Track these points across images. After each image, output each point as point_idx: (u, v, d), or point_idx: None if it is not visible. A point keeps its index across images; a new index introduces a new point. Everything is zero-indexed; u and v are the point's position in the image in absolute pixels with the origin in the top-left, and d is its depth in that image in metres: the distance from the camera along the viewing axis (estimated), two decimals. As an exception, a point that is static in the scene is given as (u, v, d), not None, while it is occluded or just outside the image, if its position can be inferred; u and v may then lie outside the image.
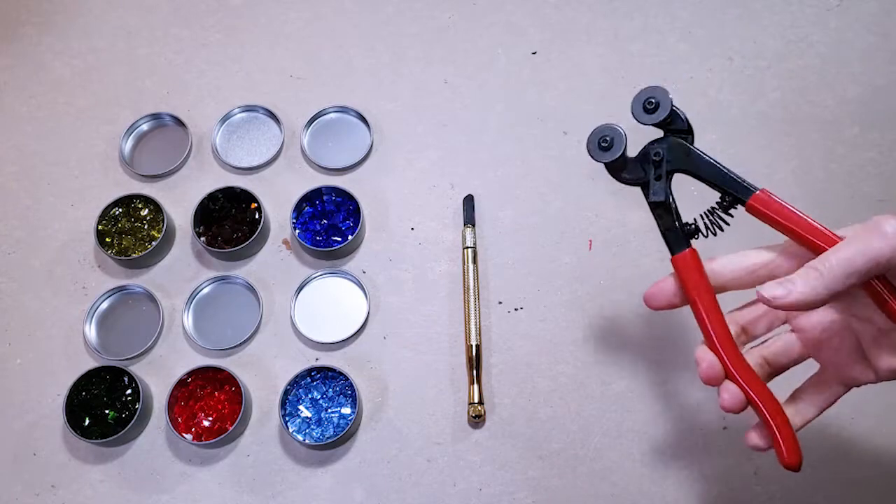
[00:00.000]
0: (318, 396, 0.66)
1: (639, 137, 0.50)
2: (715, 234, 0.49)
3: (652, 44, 0.81)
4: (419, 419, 0.66)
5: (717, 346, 0.46)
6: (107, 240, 0.73)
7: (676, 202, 0.50)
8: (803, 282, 0.41)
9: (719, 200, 0.49)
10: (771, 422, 0.45)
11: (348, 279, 0.72)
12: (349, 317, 0.70)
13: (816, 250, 0.44)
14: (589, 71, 0.80)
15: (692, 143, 0.49)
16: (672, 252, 0.49)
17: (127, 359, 0.69)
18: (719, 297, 0.47)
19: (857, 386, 0.47)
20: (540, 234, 0.73)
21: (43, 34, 0.85)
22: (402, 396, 0.67)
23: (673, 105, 0.48)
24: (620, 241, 0.72)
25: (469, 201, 0.74)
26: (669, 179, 0.49)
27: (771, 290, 0.42)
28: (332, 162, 0.76)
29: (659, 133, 0.50)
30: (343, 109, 0.79)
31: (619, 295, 0.70)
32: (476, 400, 0.65)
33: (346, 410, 0.66)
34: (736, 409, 0.45)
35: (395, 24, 0.83)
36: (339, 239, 0.72)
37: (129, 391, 0.67)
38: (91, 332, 0.70)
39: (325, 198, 0.74)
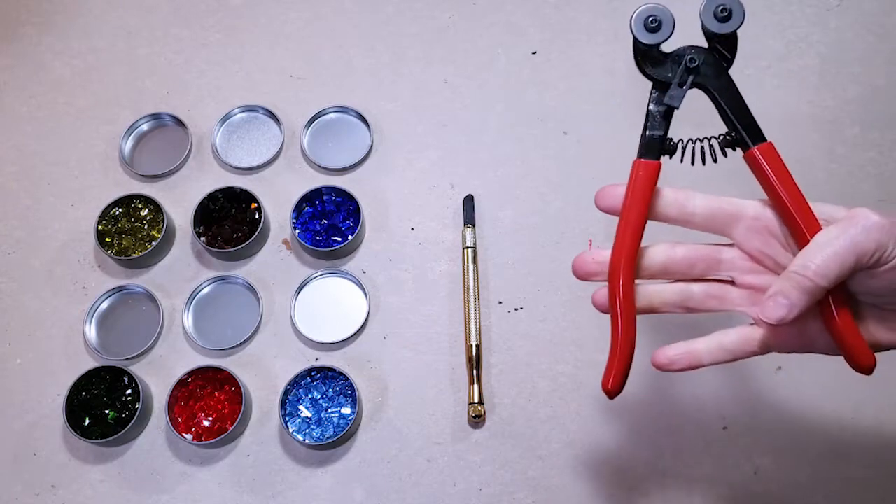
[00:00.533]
0: (318, 396, 0.66)
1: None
2: (692, 164, 0.47)
3: (652, 44, 0.81)
4: (419, 419, 0.66)
5: (619, 262, 0.45)
6: (107, 240, 0.73)
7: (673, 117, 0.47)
8: (798, 293, 0.40)
9: (723, 134, 0.46)
10: (616, 348, 0.46)
11: (348, 279, 0.72)
12: (349, 317, 0.70)
13: (790, 223, 0.43)
14: (589, 71, 0.80)
15: (730, 65, 0.47)
16: (639, 155, 0.46)
17: (127, 359, 0.69)
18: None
19: (781, 351, 0.45)
20: (540, 234, 0.73)
21: (43, 34, 0.85)
22: (402, 396, 0.67)
23: (740, 25, 0.45)
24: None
25: (469, 201, 0.74)
26: (689, 88, 0.47)
27: (772, 312, 0.40)
28: (332, 162, 0.76)
29: (703, 43, 0.47)
30: (343, 109, 0.79)
31: (619, 295, 0.69)
32: (476, 400, 0.65)
33: (346, 410, 0.66)
34: (600, 306, 0.46)
35: (395, 24, 0.83)
36: (339, 239, 0.72)
37: (129, 391, 0.67)
38: (91, 332, 0.70)
39: (325, 198, 0.74)
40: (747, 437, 0.64)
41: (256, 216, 0.72)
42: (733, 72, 0.48)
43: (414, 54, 0.82)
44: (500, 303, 0.70)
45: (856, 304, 0.43)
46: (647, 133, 0.47)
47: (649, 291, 0.46)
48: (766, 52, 0.79)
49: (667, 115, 0.47)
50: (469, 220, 0.72)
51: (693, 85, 0.47)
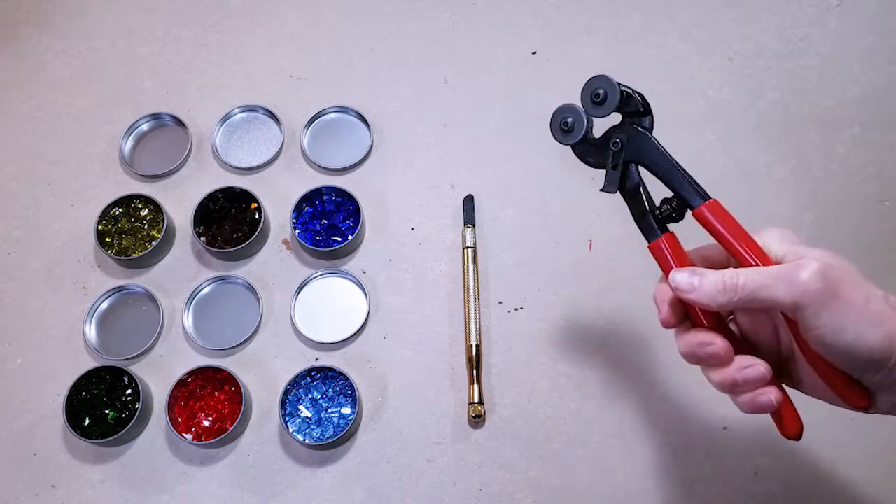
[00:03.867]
0: (318, 396, 0.66)
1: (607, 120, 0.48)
2: (675, 222, 0.47)
3: (652, 44, 0.81)
4: (419, 419, 0.66)
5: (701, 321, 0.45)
6: (107, 240, 0.73)
7: (647, 187, 0.47)
8: (710, 287, 0.42)
9: (668, 199, 0.46)
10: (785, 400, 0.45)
11: (348, 279, 0.72)
12: (349, 317, 0.70)
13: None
14: (589, 71, 0.78)
15: (651, 126, 0.47)
16: (647, 240, 0.47)
17: (127, 359, 0.69)
18: None
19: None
20: (540, 234, 0.73)
21: (43, 34, 0.85)
22: (402, 396, 0.67)
23: (623, 87, 0.46)
24: (620, 241, 0.72)
25: (469, 201, 0.74)
26: (627, 169, 0.47)
27: (682, 279, 0.43)
28: (332, 162, 0.76)
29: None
30: (343, 109, 0.79)
31: (619, 295, 0.70)
32: (476, 400, 0.65)
33: (346, 410, 0.66)
34: (768, 406, 0.44)
35: (395, 24, 0.83)
36: (339, 239, 0.72)
37: (129, 391, 0.67)
38: (91, 332, 0.70)
39: (325, 198, 0.74)
40: (747, 437, 0.64)
41: (256, 216, 0.72)
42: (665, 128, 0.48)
43: (414, 54, 0.82)
44: (500, 303, 0.70)
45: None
46: (636, 218, 0.47)
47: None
48: (766, 52, 0.79)
49: (632, 194, 0.47)
50: (469, 220, 0.72)
51: (626, 164, 0.47)
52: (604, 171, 0.49)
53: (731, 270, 0.42)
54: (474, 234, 0.72)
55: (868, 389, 0.41)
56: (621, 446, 0.64)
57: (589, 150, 0.49)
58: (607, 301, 0.69)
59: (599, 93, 0.46)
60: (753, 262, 0.42)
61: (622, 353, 0.68)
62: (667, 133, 0.76)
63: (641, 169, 0.48)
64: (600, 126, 0.49)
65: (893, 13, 0.80)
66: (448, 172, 0.76)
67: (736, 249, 0.43)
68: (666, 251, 0.46)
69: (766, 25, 0.81)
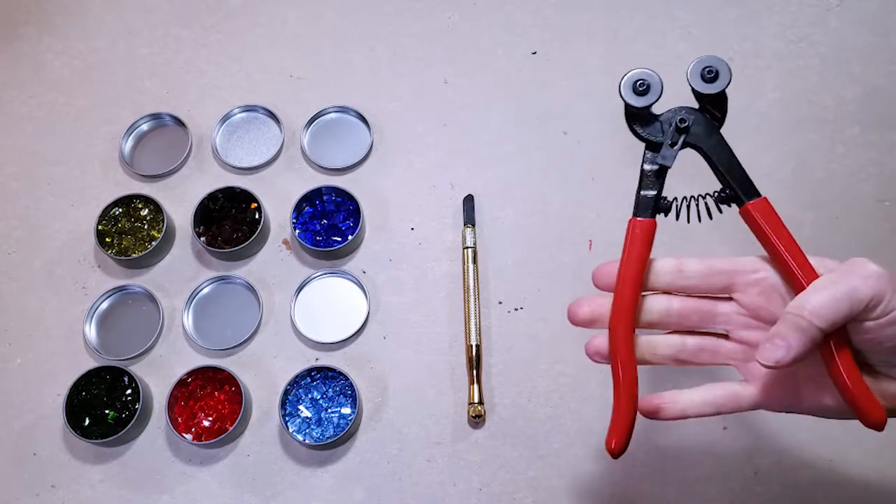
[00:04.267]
0: (318, 396, 0.66)
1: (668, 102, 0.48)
2: (688, 221, 0.47)
3: (652, 44, 0.81)
4: (419, 419, 0.66)
5: (619, 318, 0.45)
6: (107, 240, 0.73)
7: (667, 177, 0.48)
8: (796, 335, 0.39)
9: (718, 191, 0.47)
10: (620, 405, 0.45)
11: (348, 279, 0.72)
12: (349, 317, 0.70)
13: (788, 275, 0.42)
14: (589, 71, 0.80)
15: (721, 124, 0.48)
16: (634, 214, 0.47)
17: (127, 359, 0.69)
18: None
19: (770, 409, 0.45)
20: (540, 234, 0.73)
21: (43, 34, 0.85)
22: (402, 396, 0.67)
23: (727, 85, 0.46)
24: (620, 241, 0.71)
25: (469, 201, 0.74)
26: (681, 148, 0.47)
27: (770, 354, 0.39)
28: (332, 162, 0.76)
29: (694, 103, 0.48)
30: (343, 109, 0.79)
31: (619, 295, 0.69)
32: (476, 400, 0.65)
33: (346, 410, 0.66)
34: (594, 356, 0.46)
35: (395, 24, 0.83)
36: (339, 239, 0.72)
37: (129, 391, 0.67)
38: (91, 332, 0.70)
39: (325, 198, 0.74)
40: (747, 437, 0.64)
41: (256, 216, 0.72)
42: (728, 128, 0.48)
43: (414, 54, 0.82)
44: (500, 303, 0.70)
45: (870, 367, 0.42)
46: (642, 193, 0.47)
47: (643, 343, 0.46)
48: (766, 52, 0.79)
49: (660, 174, 0.47)
50: (469, 220, 0.72)
51: (685, 145, 0.47)
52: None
53: (791, 305, 0.40)
54: (474, 234, 0.72)
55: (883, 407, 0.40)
56: (621, 446, 0.64)
57: (647, 122, 0.48)
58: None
59: (713, 69, 0.46)
60: (800, 268, 0.42)
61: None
62: (667, 133, 0.77)
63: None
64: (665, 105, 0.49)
65: (893, 13, 0.80)
66: (448, 172, 0.76)
67: (781, 253, 0.43)
68: (641, 233, 0.46)
69: (766, 25, 0.81)
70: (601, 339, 0.46)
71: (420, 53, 0.82)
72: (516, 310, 0.70)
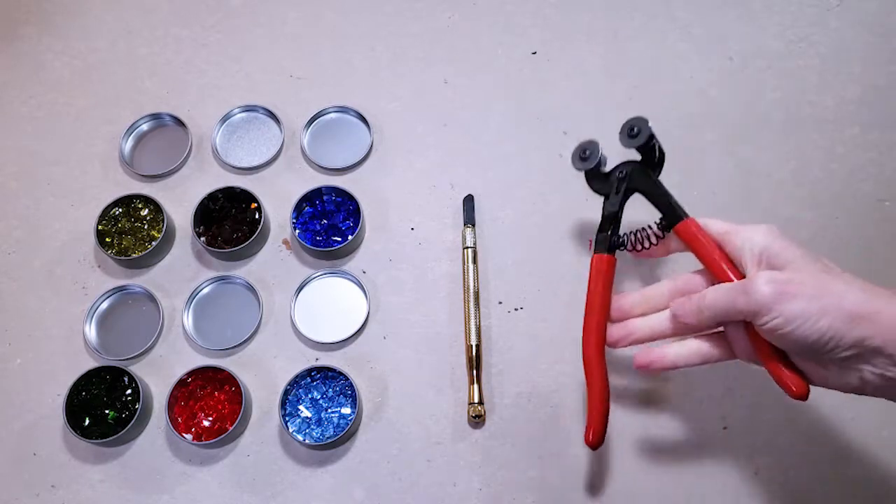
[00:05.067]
0: (318, 396, 0.66)
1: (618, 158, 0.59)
2: (639, 250, 0.58)
3: (652, 44, 0.81)
4: (419, 419, 0.66)
5: (590, 335, 0.57)
6: (107, 240, 0.73)
7: (621, 221, 0.59)
8: (694, 314, 0.52)
9: (657, 221, 0.57)
10: (595, 405, 0.56)
11: (348, 279, 0.72)
12: (349, 317, 0.70)
13: (717, 277, 0.52)
14: (589, 71, 0.80)
15: (658, 174, 0.58)
16: (595, 250, 0.59)
17: (127, 359, 0.69)
18: None
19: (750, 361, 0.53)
20: (540, 234, 0.73)
21: (43, 34, 0.85)
22: (402, 396, 0.67)
23: (653, 137, 0.57)
24: (620, 241, 0.72)
25: (469, 201, 0.74)
26: (627, 196, 0.59)
27: (678, 312, 0.53)
28: (332, 162, 0.76)
29: (636, 156, 0.59)
30: (343, 109, 0.79)
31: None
32: (476, 400, 0.65)
33: (346, 410, 0.66)
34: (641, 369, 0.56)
35: (395, 24, 0.83)
36: (339, 239, 0.72)
37: (129, 391, 0.67)
38: (91, 332, 0.70)
39: (325, 198, 0.74)
40: (747, 437, 0.64)
41: (256, 216, 0.72)
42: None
43: (414, 54, 0.82)
44: (500, 303, 0.70)
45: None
46: (599, 234, 0.59)
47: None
48: (766, 52, 0.79)
49: (612, 218, 0.59)
50: (469, 220, 0.72)
51: (628, 191, 0.59)
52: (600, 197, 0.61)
53: (700, 293, 0.52)
54: (474, 234, 0.72)
55: (805, 380, 0.49)
56: (621, 446, 0.64)
57: (598, 178, 0.61)
58: (607, 301, 0.69)
59: (635, 126, 0.57)
60: (718, 270, 0.52)
61: (622, 352, 0.67)
62: (667, 133, 0.77)
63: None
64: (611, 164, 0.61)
65: (893, 13, 0.80)
66: (448, 172, 0.76)
67: (704, 258, 0.53)
68: (601, 267, 0.58)
69: (766, 25, 0.81)
70: (642, 356, 0.55)
71: (420, 53, 0.82)
72: (516, 310, 0.70)
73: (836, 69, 0.78)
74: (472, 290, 0.69)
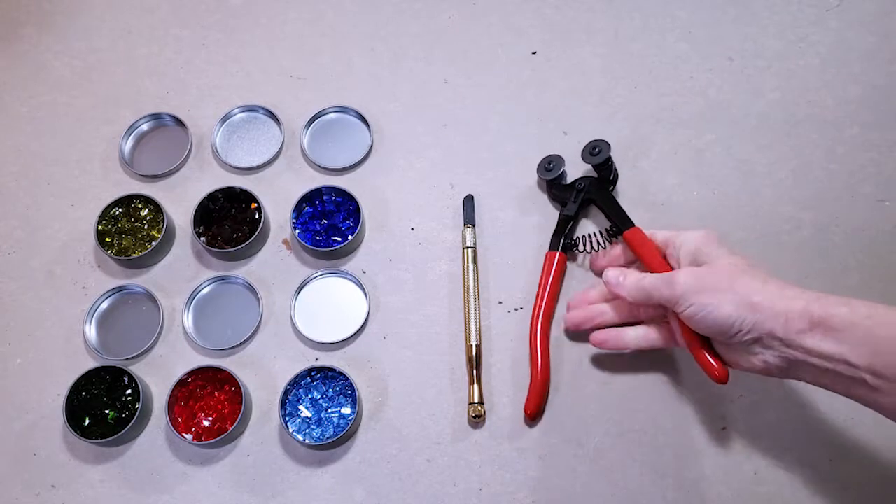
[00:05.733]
0: (318, 396, 0.66)
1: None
2: (589, 252, 0.69)
3: (652, 44, 0.81)
4: (419, 419, 0.66)
5: (536, 322, 0.67)
6: (107, 240, 0.73)
7: (575, 229, 0.71)
8: (629, 284, 0.60)
9: (607, 228, 0.68)
10: (536, 382, 0.65)
11: (348, 279, 0.72)
12: (349, 317, 0.70)
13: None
14: (589, 71, 0.80)
15: (612, 188, 0.71)
16: (550, 248, 0.70)
17: (127, 359, 0.69)
18: None
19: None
20: (540, 234, 0.73)
21: (43, 34, 0.85)
22: (402, 396, 0.67)
23: (610, 159, 0.69)
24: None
25: (469, 201, 0.74)
26: (582, 204, 0.70)
27: (612, 275, 0.62)
28: (332, 162, 0.76)
29: (593, 172, 0.71)
30: (343, 109, 0.79)
31: (619, 295, 0.69)
32: (476, 400, 0.65)
33: (346, 410, 0.66)
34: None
35: (395, 24, 0.83)
36: (339, 239, 0.72)
37: (129, 391, 0.67)
38: (91, 332, 0.70)
39: (325, 198, 0.74)
40: (747, 437, 0.64)
41: (256, 216, 0.72)
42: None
43: (414, 54, 0.82)
44: (500, 303, 0.70)
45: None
46: (555, 234, 0.70)
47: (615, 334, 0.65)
48: (766, 52, 0.79)
49: (567, 221, 0.70)
50: (469, 220, 0.72)
51: (584, 201, 0.70)
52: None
53: (641, 274, 0.60)
54: (474, 234, 0.72)
55: (727, 367, 0.56)
56: (621, 446, 0.64)
57: (558, 187, 0.72)
58: (607, 301, 0.69)
59: (596, 146, 0.69)
60: (659, 270, 0.60)
61: (622, 352, 0.67)
62: (667, 133, 0.77)
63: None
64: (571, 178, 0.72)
65: (893, 13, 0.80)
66: (448, 172, 0.76)
67: (645, 261, 0.63)
68: (552, 263, 0.69)
69: (766, 25, 0.81)
70: (600, 334, 0.65)
71: (420, 53, 0.82)
72: (516, 310, 0.70)
73: (836, 69, 0.78)
74: (472, 290, 0.69)
